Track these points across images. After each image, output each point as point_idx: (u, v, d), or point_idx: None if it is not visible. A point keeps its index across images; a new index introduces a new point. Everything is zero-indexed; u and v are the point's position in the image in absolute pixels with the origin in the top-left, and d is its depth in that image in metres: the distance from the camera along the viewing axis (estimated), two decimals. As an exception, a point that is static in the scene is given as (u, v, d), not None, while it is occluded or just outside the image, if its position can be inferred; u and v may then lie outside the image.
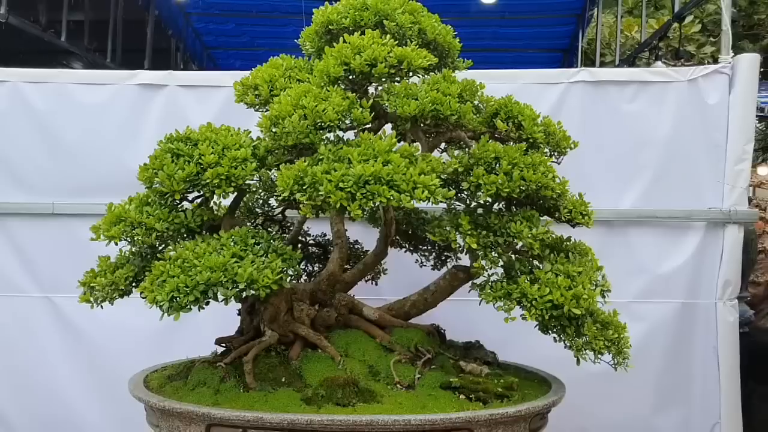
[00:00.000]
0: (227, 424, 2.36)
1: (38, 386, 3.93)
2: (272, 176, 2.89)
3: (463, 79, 2.68)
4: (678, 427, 3.86)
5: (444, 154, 2.76)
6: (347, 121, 2.47)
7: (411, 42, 2.63)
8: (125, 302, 2.67)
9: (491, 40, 9.51)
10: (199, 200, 2.67)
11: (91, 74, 4.12)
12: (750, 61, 3.77)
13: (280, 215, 3.17)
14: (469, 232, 2.46)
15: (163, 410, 2.50)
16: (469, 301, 2.73)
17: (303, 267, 3.13)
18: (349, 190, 2.23)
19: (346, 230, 2.95)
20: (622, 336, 2.56)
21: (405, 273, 3.21)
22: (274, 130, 2.46)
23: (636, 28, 10.19)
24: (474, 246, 2.46)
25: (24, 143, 3.90)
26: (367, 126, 2.57)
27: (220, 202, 2.69)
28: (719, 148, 3.78)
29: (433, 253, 3.18)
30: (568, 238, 2.72)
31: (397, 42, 2.59)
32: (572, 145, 2.78)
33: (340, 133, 2.51)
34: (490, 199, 2.55)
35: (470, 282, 2.69)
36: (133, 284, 2.59)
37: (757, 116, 6.68)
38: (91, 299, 2.60)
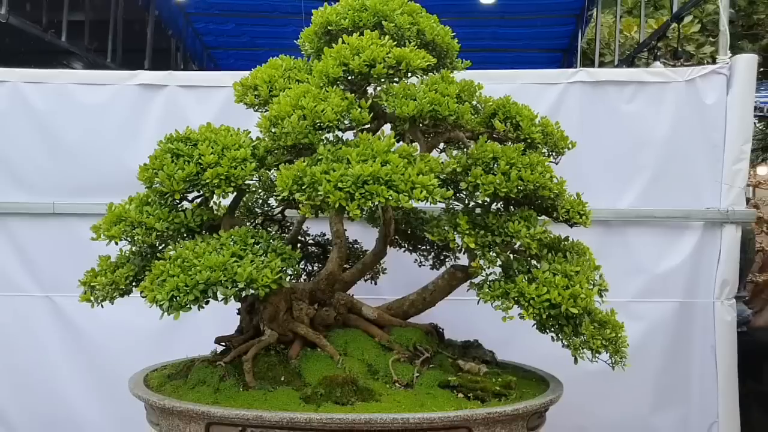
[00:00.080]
0: (227, 423, 2.38)
1: (38, 385, 3.94)
2: (272, 176, 2.90)
3: (461, 79, 2.69)
4: (676, 426, 3.87)
5: (442, 154, 2.77)
6: (346, 122, 2.48)
7: (409, 43, 2.64)
8: (125, 301, 2.69)
9: (490, 40, 9.51)
10: (198, 200, 2.68)
11: (92, 74, 4.13)
12: (747, 61, 3.79)
13: (279, 215, 3.18)
14: (467, 232, 2.48)
15: (163, 409, 2.51)
16: (467, 301, 2.74)
17: (302, 266, 3.15)
18: (347, 190, 2.24)
19: (346, 230, 2.96)
20: (619, 335, 2.57)
21: (404, 272, 3.23)
22: (273, 130, 2.47)
23: (635, 28, 10.19)
24: (472, 246, 2.47)
25: (24, 143, 3.92)
26: (366, 126, 2.59)
27: (220, 201, 2.71)
28: (717, 148, 3.80)
29: (432, 253, 3.19)
30: (566, 238, 2.74)
31: (395, 43, 2.61)
32: (570, 145, 2.79)
33: (339, 134, 2.52)
34: (488, 199, 2.56)
35: (468, 281, 2.70)
36: (134, 283, 2.60)
37: (756, 116, 6.71)
38: (92, 298, 2.62)
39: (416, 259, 3.22)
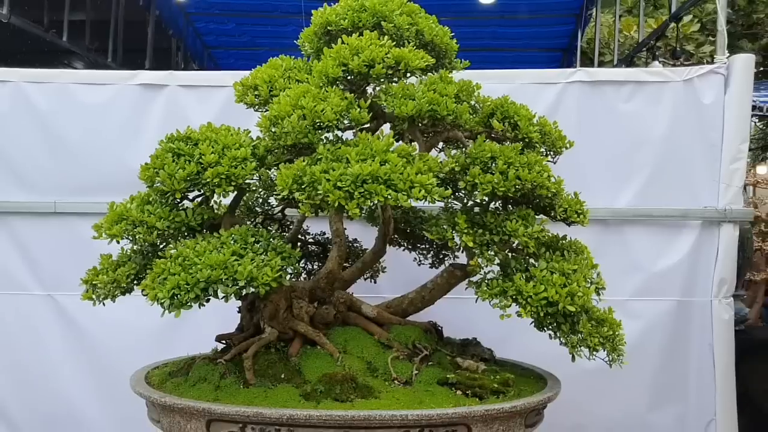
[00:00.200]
0: (227, 420, 2.40)
1: (40, 383, 3.96)
2: (272, 175, 2.91)
3: (459, 79, 2.71)
4: (674, 424, 3.89)
5: (441, 153, 2.78)
6: (345, 121, 2.50)
7: (408, 43, 2.66)
8: (127, 300, 2.71)
9: (490, 40, 9.52)
10: (199, 199, 2.70)
11: (93, 74, 4.15)
12: (745, 61, 3.81)
13: (279, 214, 3.20)
14: (465, 231, 2.49)
15: (164, 406, 2.53)
16: (466, 299, 2.76)
17: (302, 265, 3.16)
18: (347, 189, 2.26)
19: (345, 229, 2.98)
20: (616, 333, 2.58)
21: (403, 271, 3.25)
22: (273, 129, 2.49)
23: (635, 28, 10.20)
24: (470, 244, 2.49)
25: (26, 143, 3.94)
26: (365, 126, 2.60)
27: (221, 201, 2.72)
28: (715, 147, 3.81)
29: (431, 252, 3.21)
30: (564, 237, 2.75)
31: (394, 43, 2.62)
32: (568, 145, 2.80)
33: (339, 133, 2.54)
34: (486, 198, 2.58)
35: (467, 280, 2.72)
36: (135, 282, 2.62)
37: (757, 115, 6.71)
38: (93, 297, 2.64)
39: (415, 258, 3.24)
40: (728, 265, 3.82)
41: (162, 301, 2.29)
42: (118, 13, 8.92)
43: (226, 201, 2.75)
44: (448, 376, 2.64)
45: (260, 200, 3.14)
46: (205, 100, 3.92)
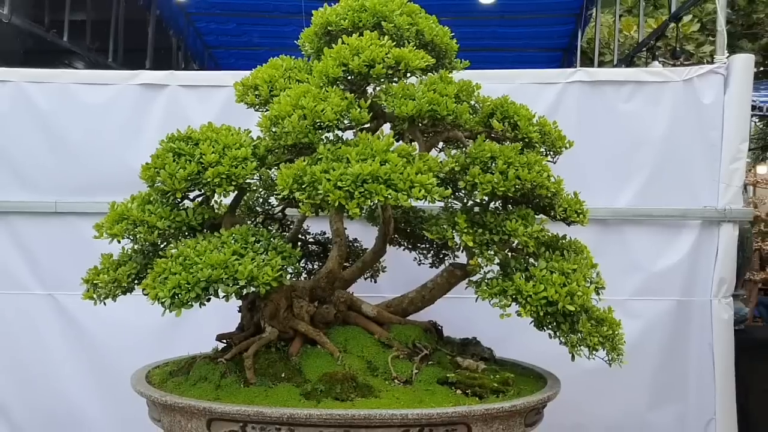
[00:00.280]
0: (228, 419, 2.40)
1: (41, 382, 3.97)
2: (272, 175, 2.92)
3: (459, 79, 2.72)
4: (673, 423, 3.89)
5: (441, 153, 2.79)
6: (346, 121, 2.50)
7: (409, 43, 2.66)
8: (127, 299, 2.71)
9: (491, 40, 9.54)
10: (200, 199, 2.70)
11: (94, 74, 4.15)
12: (744, 61, 3.81)
13: (280, 214, 3.20)
14: (465, 230, 2.50)
15: (165, 405, 2.54)
16: (466, 299, 2.76)
17: (303, 265, 3.17)
18: (347, 189, 2.26)
19: (346, 228, 2.99)
20: (616, 332, 2.58)
21: (403, 271, 3.25)
22: (273, 129, 2.50)
23: (635, 28, 10.20)
24: (470, 244, 2.49)
25: (27, 142, 3.94)
26: (366, 126, 2.61)
27: (221, 200, 2.73)
28: (714, 147, 3.82)
29: (431, 251, 3.21)
30: (564, 237, 2.76)
31: (395, 43, 2.63)
32: (567, 145, 2.80)
33: (339, 133, 2.54)
34: (486, 198, 2.58)
35: (467, 279, 2.72)
36: (136, 281, 2.63)
37: (757, 115, 6.72)
38: (94, 296, 2.64)
39: (415, 258, 3.24)
40: (728, 264, 3.82)
41: (163, 300, 2.30)
42: (118, 13, 8.94)
43: (227, 201, 2.75)
44: (448, 375, 2.64)
45: (261, 200, 3.15)
46: (205, 99, 3.92)
